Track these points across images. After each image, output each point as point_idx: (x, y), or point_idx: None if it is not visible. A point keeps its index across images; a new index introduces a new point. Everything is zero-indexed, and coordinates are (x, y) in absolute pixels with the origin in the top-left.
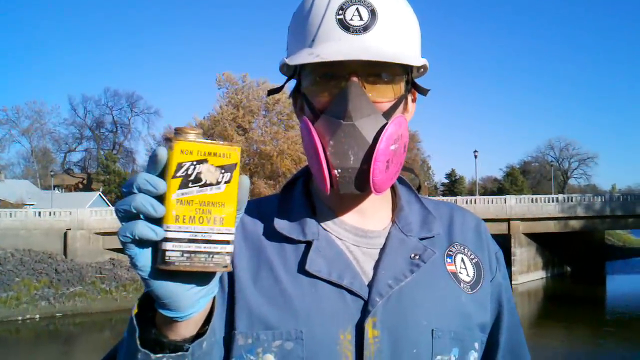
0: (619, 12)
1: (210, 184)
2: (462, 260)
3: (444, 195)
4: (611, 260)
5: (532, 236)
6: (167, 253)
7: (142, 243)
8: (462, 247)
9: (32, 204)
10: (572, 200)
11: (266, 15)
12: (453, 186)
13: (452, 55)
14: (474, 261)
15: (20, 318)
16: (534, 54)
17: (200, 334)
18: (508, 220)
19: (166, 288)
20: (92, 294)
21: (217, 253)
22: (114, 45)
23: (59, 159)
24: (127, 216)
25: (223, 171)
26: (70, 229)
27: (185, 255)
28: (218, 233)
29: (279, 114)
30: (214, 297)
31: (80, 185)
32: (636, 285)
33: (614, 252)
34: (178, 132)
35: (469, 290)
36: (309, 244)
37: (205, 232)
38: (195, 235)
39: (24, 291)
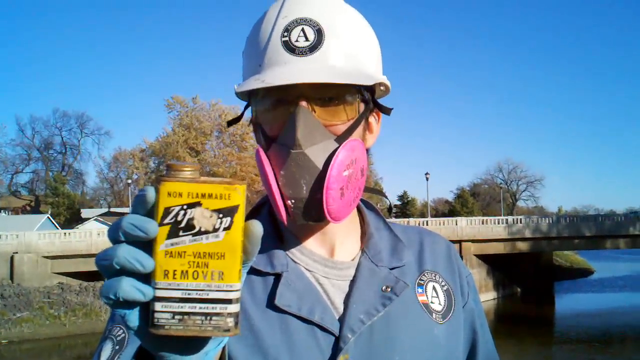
0: (565, 34)
1: (206, 232)
2: (434, 288)
3: (396, 217)
4: (559, 281)
5: (483, 257)
6: (156, 315)
7: (129, 303)
8: (433, 275)
9: None
10: (519, 222)
11: (219, 36)
12: (405, 208)
13: (402, 77)
14: (444, 288)
15: None
16: (483, 77)
17: None
18: (459, 241)
19: (165, 350)
20: (40, 319)
21: (217, 314)
22: (64, 65)
23: (6, 181)
24: (109, 272)
25: (221, 216)
26: (17, 253)
27: (177, 317)
28: (217, 290)
29: (232, 136)
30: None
31: (28, 208)
32: (583, 304)
33: (562, 272)
34: (169, 168)
35: (441, 319)
36: (277, 277)
37: (201, 290)
38: (189, 294)
39: None
